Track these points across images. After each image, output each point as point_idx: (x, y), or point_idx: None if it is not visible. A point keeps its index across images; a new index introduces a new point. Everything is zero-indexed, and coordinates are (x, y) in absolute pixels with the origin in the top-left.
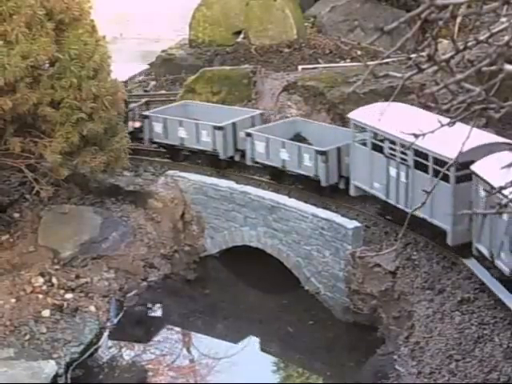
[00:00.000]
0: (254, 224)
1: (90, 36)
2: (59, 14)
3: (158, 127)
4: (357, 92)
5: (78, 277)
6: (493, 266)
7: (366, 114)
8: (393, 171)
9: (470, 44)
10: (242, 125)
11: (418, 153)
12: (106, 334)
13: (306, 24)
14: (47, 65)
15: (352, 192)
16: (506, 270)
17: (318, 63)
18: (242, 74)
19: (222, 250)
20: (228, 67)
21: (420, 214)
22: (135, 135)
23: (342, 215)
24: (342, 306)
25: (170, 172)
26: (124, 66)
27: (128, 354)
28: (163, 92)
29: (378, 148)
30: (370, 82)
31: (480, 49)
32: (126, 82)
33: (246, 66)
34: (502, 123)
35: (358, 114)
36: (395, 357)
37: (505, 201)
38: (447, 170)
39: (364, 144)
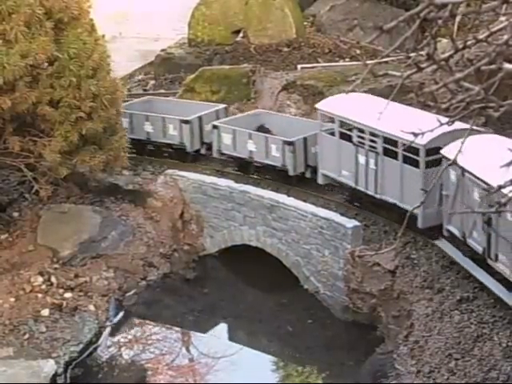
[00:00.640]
0: (254, 223)
1: (89, 35)
2: (58, 13)
3: (124, 123)
4: (356, 91)
5: (77, 276)
6: (464, 245)
7: (334, 105)
8: (362, 159)
9: (469, 43)
10: (208, 118)
11: (387, 140)
12: (105, 333)
13: (305, 23)
14: (46, 64)
15: (320, 180)
16: (479, 248)
17: (318, 62)
18: (242, 73)
19: (221, 249)
20: (227, 66)
21: (390, 199)
22: None
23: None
24: (342, 305)
25: (170, 171)
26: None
27: (127, 353)
28: (162, 91)
29: (346, 137)
30: (369, 81)
31: (479, 48)
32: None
33: (246, 65)
34: (501, 122)
35: (325, 105)
36: (394, 356)
37: (502, 199)
38: (417, 155)
39: (332, 134)
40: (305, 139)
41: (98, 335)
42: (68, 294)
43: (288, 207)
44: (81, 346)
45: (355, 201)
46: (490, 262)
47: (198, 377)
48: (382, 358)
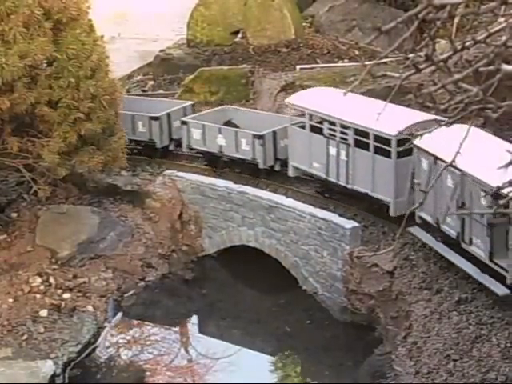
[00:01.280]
0: (252, 224)
1: (87, 36)
2: (57, 13)
3: None
4: (354, 92)
5: (75, 276)
6: (437, 231)
7: (304, 99)
8: (333, 150)
9: (467, 44)
10: (176, 115)
11: (358, 132)
12: (103, 333)
13: (303, 24)
14: (45, 64)
15: (291, 173)
16: (452, 233)
17: (316, 63)
18: (240, 74)
19: (219, 249)
20: (226, 67)
21: (361, 189)
22: None
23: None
24: (340, 306)
25: (168, 172)
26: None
27: (126, 353)
28: (161, 92)
29: (316, 130)
30: (367, 81)
31: (478, 49)
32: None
33: (244, 65)
34: (500, 123)
35: (296, 99)
36: (393, 357)
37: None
38: (388, 145)
39: (302, 127)
40: (274, 133)
41: (96, 336)
42: (66, 295)
43: (286, 208)
44: (79, 346)
45: (326, 192)
46: (464, 245)
47: (197, 377)
48: (381, 359)
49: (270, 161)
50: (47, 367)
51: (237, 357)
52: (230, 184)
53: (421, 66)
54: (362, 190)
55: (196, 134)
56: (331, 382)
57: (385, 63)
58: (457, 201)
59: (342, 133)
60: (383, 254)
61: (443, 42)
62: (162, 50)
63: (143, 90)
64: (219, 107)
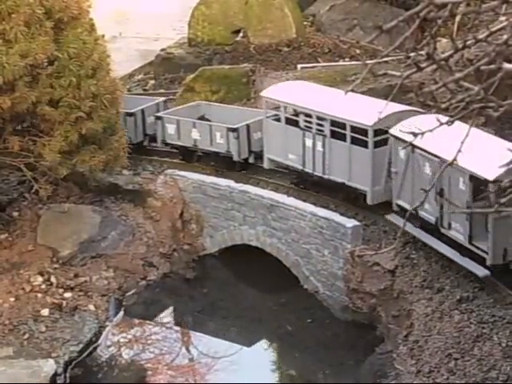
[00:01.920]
0: (253, 223)
1: (88, 35)
2: (58, 12)
3: None
4: (356, 91)
5: (76, 276)
6: (415, 218)
7: (279, 92)
8: (309, 142)
9: (468, 43)
10: (149, 111)
11: (334, 123)
12: (105, 332)
13: (305, 23)
14: (46, 64)
15: (266, 165)
16: (431, 218)
17: (317, 62)
18: (241, 73)
19: (221, 248)
20: (227, 66)
21: (338, 178)
22: None
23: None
24: (341, 305)
25: (169, 171)
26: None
27: (127, 352)
28: (162, 91)
29: (292, 122)
30: (368, 80)
31: (479, 47)
32: None
33: (245, 64)
34: (501, 122)
35: (270, 93)
36: (394, 355)
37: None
38: (365, 136)
39: (278, 119)
40: (248, 126)
41: (97, 335)
42: (68, 294)
43: (288, 207)
44: (80, 345)
45: (301, 183)
46: (443, 230)
47: (198, 377)
48: (382, 358)
49: (245, 153)
50: (48, 366)
51: (238, 356)
52: (231, 183)
53: (422, 65)
54: (339, 180)
55: (170, 128)
56: (332, 382)
57: (386, 62)
58: (435, 187)
59: (319, 124)
60: (384, 252)
61: (444, 40)
62: (163, 49)
63: (144, 89)
64: (192, 103)
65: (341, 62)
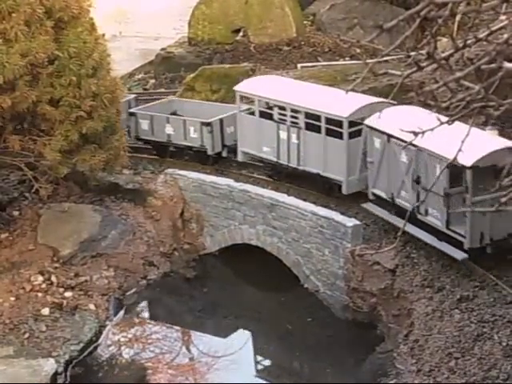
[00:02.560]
0: (254, 222)
1: (89, 34)
2: (58, 12)
3: None
4: (356, 90)
5: (77, 275)
6: (390, 205)
7: (252, 87)
8: (283, 134)
9: (469, 42)
10: (122, 108)
11: (309, 115)
12: (105, 331)
13: (305, 22)
14: (46, 63)
15: (240, 158)
16: (408, 205)
17: (318, 61)
18: (242, 72)
19: (221, 248)
20: (227, 65)
21: (313, 169)
22: None
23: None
24: (342, 304)
25: (170, 170)
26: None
27: (127, 352)
28: (162, 90)
29: (266, 115)
30: (369, 79)
31: (479, 47)
32: None
33: (246, 64)
34: (502, 121)
35: (243, 87)
36: (395, 355)
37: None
38: (340, 127)
39: (251, 113)
40: (221, 120)
41: (98, 334)
42: (68, 293)
43: (288, 206)
44: (81, 344)
45: (275, 175)
46: (420, 217)
47: (198, 376)
48: (382, 357)
49: (218, 147)
50: (49, 365)
51: (238, 355)
52: (231, 182)
53: (422, 64)
54: (314, 171)
55: (144, 124)
56: (333, 381)
57: (386, 61)
58: (412, 175)
59: (293, 117)
60: (385, 251)
61: (445, 40)
62: (163, 49)
63: (144, 89)
64: (164, 99)
65: (341, 62)
